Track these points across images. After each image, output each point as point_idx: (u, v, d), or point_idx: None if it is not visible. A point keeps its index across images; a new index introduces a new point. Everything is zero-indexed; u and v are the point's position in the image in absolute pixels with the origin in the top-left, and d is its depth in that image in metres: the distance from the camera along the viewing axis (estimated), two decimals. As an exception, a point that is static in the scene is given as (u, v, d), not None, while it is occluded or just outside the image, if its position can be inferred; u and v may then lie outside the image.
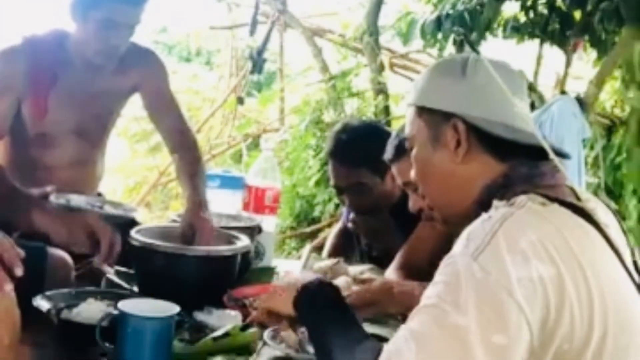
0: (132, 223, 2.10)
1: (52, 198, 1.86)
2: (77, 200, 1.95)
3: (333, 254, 2.29)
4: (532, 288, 0.93)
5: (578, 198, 1.08)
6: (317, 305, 1.21)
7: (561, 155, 1.12)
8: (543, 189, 1.06)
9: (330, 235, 2.52)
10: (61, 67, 2.00)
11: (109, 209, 1.99)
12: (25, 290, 1.29)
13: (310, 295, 1.23)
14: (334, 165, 2.16)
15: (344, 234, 2.40)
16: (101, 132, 2.16)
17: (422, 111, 1.18)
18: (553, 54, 4.72)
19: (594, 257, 1.00)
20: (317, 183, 5.45)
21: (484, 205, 1.07)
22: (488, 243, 0.95)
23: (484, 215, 1.02)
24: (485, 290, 0.92)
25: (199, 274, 1.62)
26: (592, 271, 0.98)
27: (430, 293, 0.96)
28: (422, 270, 1.58)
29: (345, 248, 2.34)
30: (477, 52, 1.26)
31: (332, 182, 2.21)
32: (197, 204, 1.85)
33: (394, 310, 1.57)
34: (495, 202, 1.05)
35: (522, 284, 0.92)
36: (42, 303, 1.41)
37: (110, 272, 1.79)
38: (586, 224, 1.04)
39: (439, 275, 0.97)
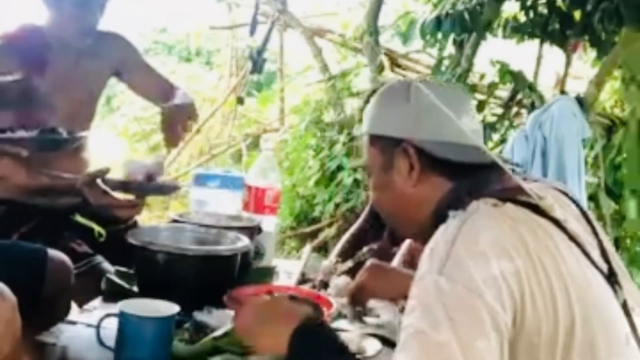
0: (133, 224, 2.10)
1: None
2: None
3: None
4: (497, 286, 0.95)
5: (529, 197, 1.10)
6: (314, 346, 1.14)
7: (512, 164, 1.16)
8: (493, 194, 1.09)
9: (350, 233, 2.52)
10: (45, 56, 2.04)
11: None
12: (25, 291, 1.29)
13: (307, 336, 1.15)
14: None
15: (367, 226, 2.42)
16: (88, 117, 2.21)
17: (374, 139, 1.24)
18: (553, 54, 4.71)
19: (552, 250, 1.03)
20: (317, 183, 5.44)
21: (438, 219, 1.10)
22: (449, 253, 0.98)
23: (441, 228, 1.05)
24: (455, 300, 0.95)
25: (199, 274, 1.62)
26: (552, 264, 1.01)
27: (409, 322, 0.98)
28: None
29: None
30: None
31: None
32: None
33: (391, 292, 1.58)
34: (451, 213, 1.08)
35: (488, 285, 0.95)
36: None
37: (111, 272, 1.79)
38: (542, 219, 1.06)
39: (411, 300, 0.99)
